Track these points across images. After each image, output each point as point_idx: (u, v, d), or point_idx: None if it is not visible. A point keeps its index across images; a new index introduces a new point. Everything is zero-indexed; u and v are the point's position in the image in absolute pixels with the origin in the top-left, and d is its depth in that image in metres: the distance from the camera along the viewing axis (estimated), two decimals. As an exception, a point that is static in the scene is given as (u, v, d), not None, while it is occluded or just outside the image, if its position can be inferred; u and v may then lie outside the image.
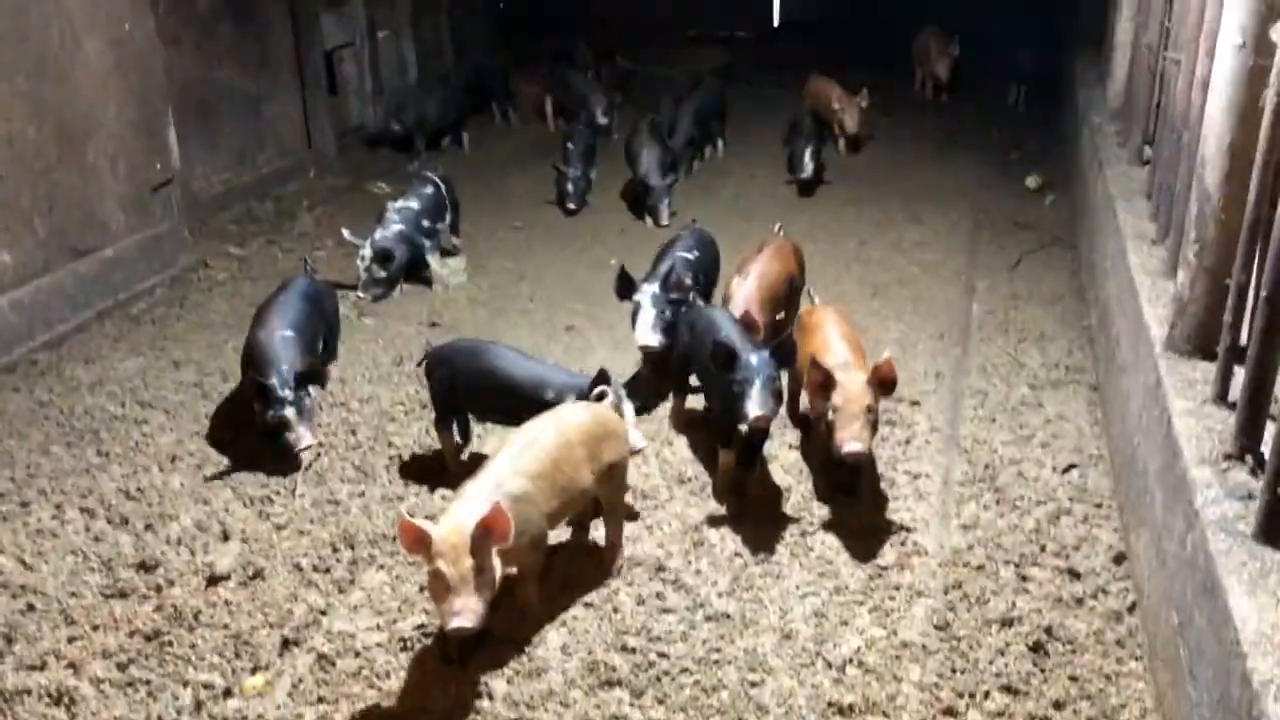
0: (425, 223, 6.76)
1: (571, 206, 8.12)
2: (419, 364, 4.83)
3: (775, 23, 14.24)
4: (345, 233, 6.52)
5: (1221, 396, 3.57)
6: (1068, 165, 8.65)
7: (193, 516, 4.40)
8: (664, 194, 7.83)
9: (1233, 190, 3.61)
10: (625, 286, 5.15)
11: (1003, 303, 6.45)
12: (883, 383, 4.17)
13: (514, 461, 3.57)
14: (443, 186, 7.02)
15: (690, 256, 5.47)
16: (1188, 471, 3.23)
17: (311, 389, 4.78)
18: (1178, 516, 3.28)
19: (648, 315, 5.02)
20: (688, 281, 5.23)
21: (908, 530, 4.24)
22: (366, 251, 6.44)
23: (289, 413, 4.61)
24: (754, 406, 4.11)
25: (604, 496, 3.93)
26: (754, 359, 4.18)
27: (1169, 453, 3.49)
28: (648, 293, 5.07)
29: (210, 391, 5.45)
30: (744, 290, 5.18)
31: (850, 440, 4.05)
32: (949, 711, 3.34)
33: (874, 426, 4.18)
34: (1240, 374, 3.50)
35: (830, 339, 4.54)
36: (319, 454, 4.80)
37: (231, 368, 5.64)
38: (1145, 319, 4.24)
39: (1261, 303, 3.09)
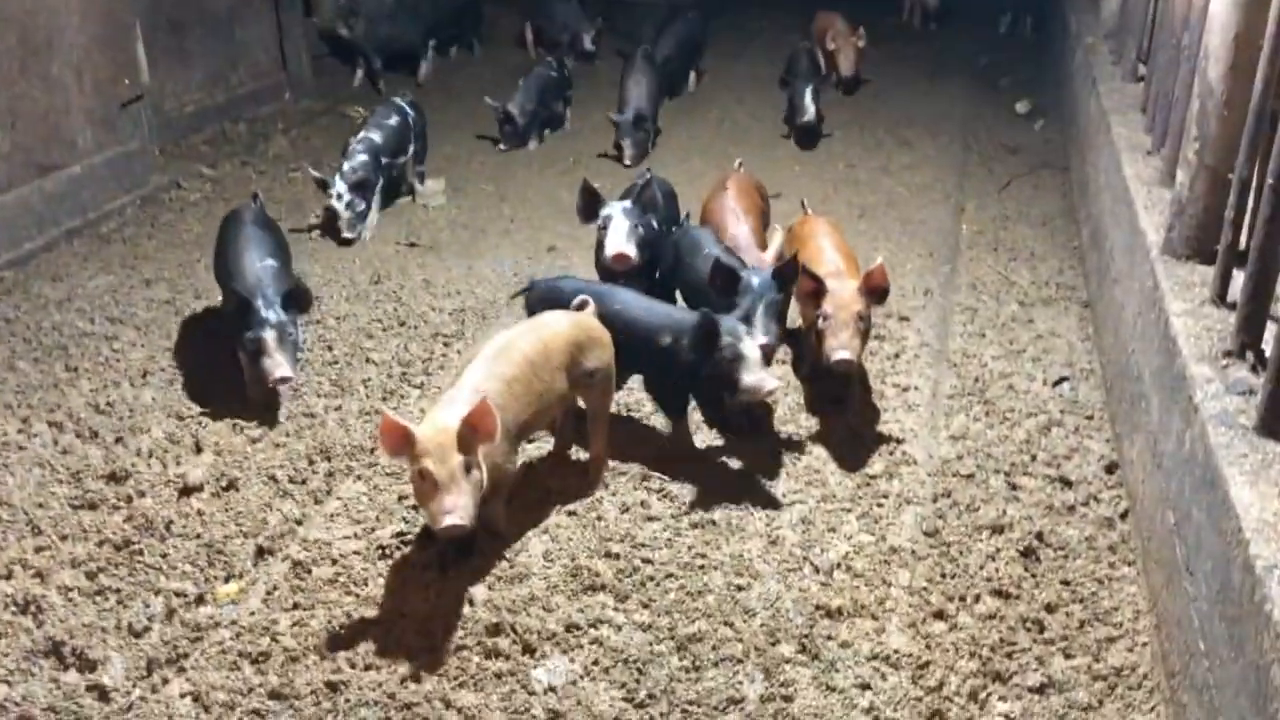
0: (384, 158, 6.34)
1: (502, 146, 7.66)
2: (515, 295, 4.53)
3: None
4: (310, 171, 6.22)
5: (1220, 297, 3.48)
6: (1059, 89, 8.50)
7: (164, 429, 4.27)
8: (628, 132, 7.34)
9: (1237, 83, 3.50)
10: (591, 205, 4.73)
11: (992, 223, 6.34)
12: (874, 290, 4.06)
13: (489, 366, 3.45)
14: (411, 114, 6.66)
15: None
16: (1187, 369, 3.15)
17: (297, 322, 4.38)
18: (1175, 416, 3.20)
19: (621, 226, 4.59)
20: (660, 199, 4.95)
21: (896, 441, 4.16)
22: (341, 188, 6.05)
23: (269, 335, 4.19)
24: (757, 333, 3.87)
25: (587, 405, 3.83)
26: (756, 281, 4.03)
27: (1166, 354, 3.41)
28: (618, 208, 4.66)
29: (183, 308, 5.30)
30: (743, 232, 4.80)
31: (839, 349, 3.94)
32: (939, 614, 3.28)
33: (865, 335, 4.08)
34: (1239, 276, 3.42)
35: (824, 248, 4.43)
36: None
37: (204, 285, 5.50)
38: (1141, 225, 4.14)
39: (1267, 190, 2.99)
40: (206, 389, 4.57)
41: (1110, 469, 3.97)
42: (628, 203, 4.72)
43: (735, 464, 4.03)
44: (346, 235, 6.13)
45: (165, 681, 3.06)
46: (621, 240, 4.60)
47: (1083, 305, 5.29)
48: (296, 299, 4.36)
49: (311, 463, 4.08)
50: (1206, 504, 2.76)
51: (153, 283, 5.59)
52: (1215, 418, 2.89)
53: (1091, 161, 5.93)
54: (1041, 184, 6.95)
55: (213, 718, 2.94)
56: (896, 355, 4.81)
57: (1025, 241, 6.06)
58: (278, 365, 4.19)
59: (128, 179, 6.49)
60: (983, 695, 2.98)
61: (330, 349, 4.91)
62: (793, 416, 4.35)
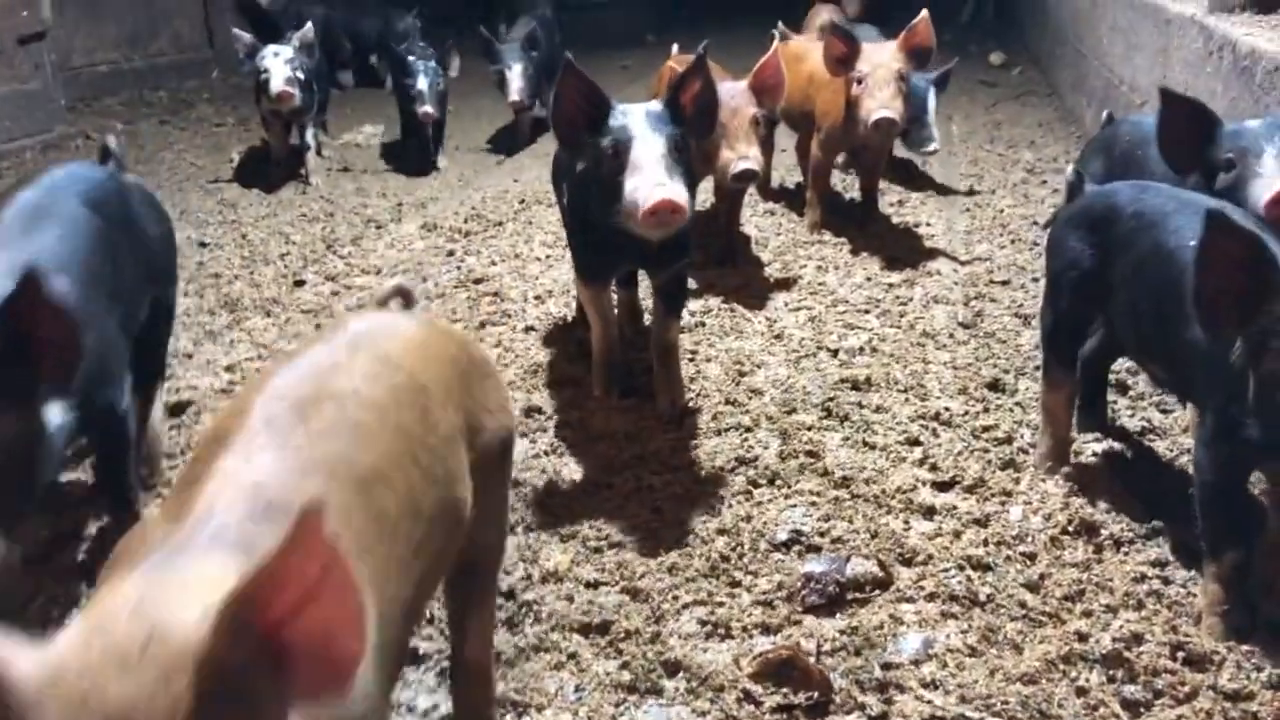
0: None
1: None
2: (1045, 225, 3.37)
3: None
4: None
5: (1297, 12, 2.93)
6: (1031, 39, 8.12)
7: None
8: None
9: None
10: (486, 50, 5.39)
11: (983, 127, 5.82)
12: (916, 50, 3.54)
13: (296, 452, 1.16)
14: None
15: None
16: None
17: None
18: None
19: (517, 71, 5.33)
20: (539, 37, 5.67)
21: (915, 258, 3.54)
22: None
23: None
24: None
25: (470, 556, 1.48)
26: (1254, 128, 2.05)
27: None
28: (513, 50, 5.40)
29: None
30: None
31: (880, 108, 3.39)
32: (994, 385, 2.61)
33: (907, 100, 3.54)
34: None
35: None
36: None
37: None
38: (1179, 12, 3.60)
39: None
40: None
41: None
42: (517, 47, 5.47)
43: (722, 282, 3.37)
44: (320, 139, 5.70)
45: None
46: (519, 86, 5.38)
47: (1098, 171, 4.72)
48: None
49: (213, 313, 3.37)
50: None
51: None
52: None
53: (1090, 39, 5.43)
54: (1029, 104, 6.46)
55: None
56: (900, 202, 4.21)
57: (1023, 134, 5.53)
58: None
59: (27, 121, 5.83)
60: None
61: (244, 236, 4.22)
62: (788, 248, 3.70)
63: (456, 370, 1.43)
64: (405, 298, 1.62)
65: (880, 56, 3.49)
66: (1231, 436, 1.67)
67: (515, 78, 5.32)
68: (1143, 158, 2.40)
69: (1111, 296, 2.00)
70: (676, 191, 2.16)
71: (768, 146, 3.28)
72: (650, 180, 2.17)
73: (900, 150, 4.47)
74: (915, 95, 3.88)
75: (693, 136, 2.36)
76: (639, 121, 2.26)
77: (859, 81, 3.46)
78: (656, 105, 2.35)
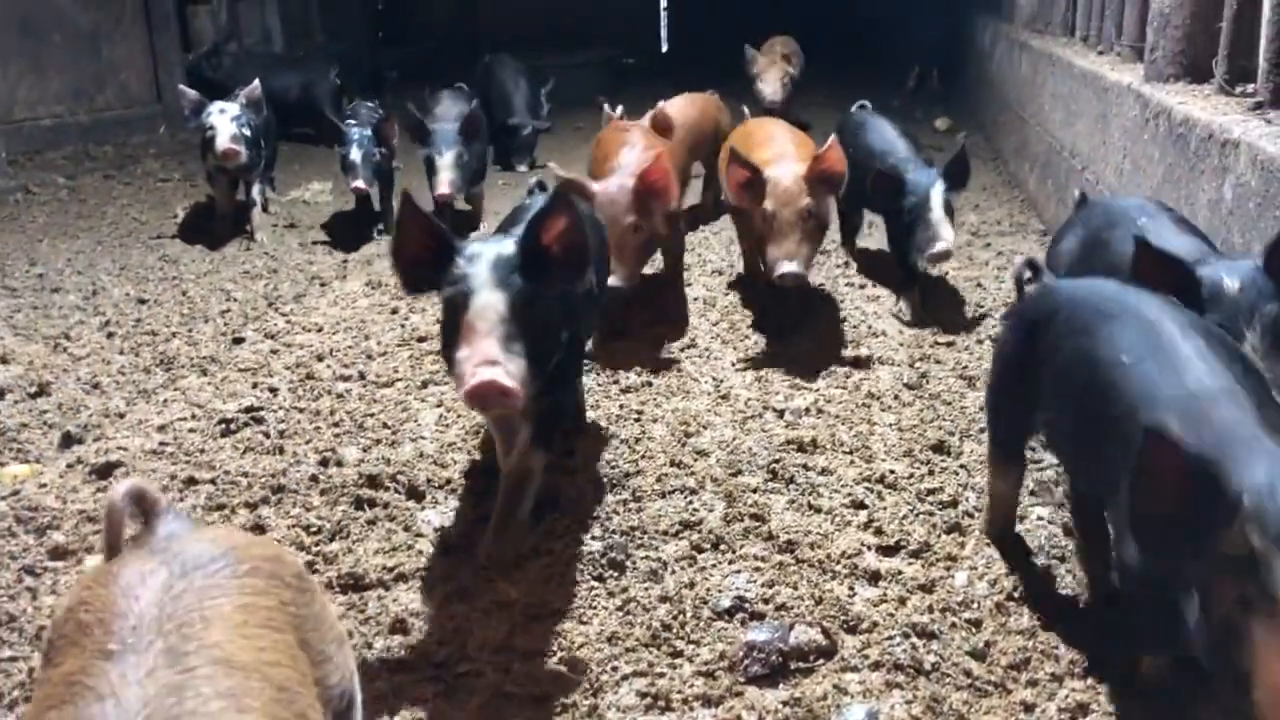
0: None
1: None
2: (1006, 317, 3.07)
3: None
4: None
5: (1230, 81, 2.99)
6: (976, 106, 8.27)
7: (-35, 352, 3.46)
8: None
9: None
10: (417, 132, 4.79)
11: (929, 191, 5.88)
12: (826, 178, 3.21)
13: None
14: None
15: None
16: (1215, 130, 2.61)
17: None
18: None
19: (448, 160, 4.67)
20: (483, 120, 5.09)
21: (860, 320, 3.54)
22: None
23: None
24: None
25: None
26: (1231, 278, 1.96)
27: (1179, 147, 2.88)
28: (446, 135, 4.71)
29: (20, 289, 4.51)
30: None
31: (785, 260, 3.09)
32: (939, 447, 2.60)
33: (816, 238, 3.24)
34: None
35: (774, 135, 3.63)
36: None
37: (43, 255, 4.72)
38: (1112, 81, 3.68)
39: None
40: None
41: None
42: (452, 128, 4.78)
43: (669, 344, 3.35)
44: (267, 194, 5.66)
45: (-94, 552, 2.21)
46: (450, 177, 4.68)
47: (1040, 234, 4.79)
48: None
49: (148, 372, 3.30)
50: None
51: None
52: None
53: (1033, 106, 5.54)
54: (974, 169, 6.48)
55: (-36, 577, 2.09)
56: (846, 264, 4.23)
57: (968, 198, 5.58)
58: None
59: (-36, 174, 5.74)
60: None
61: (184, 293, 4.15)
62: (737, 304, 3.70)
63: (288, 618, 1.10)
64: (143, 504, 1.18)
65: (786, 190, 3.16)
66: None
67: (445, 167, 4.68)
68: (1109, 240, 2.33)
69: (1041, 401, 1.90)
70: (503, 372, 1.82)
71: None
72: (478, 355, 1.84)
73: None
74: (915, 192, 3.61)
75: (559, 284, 2.00)
76: (483, 272, 1.91)
77: (764, 218, 3.17)
78: (510, 248, 1.96)
